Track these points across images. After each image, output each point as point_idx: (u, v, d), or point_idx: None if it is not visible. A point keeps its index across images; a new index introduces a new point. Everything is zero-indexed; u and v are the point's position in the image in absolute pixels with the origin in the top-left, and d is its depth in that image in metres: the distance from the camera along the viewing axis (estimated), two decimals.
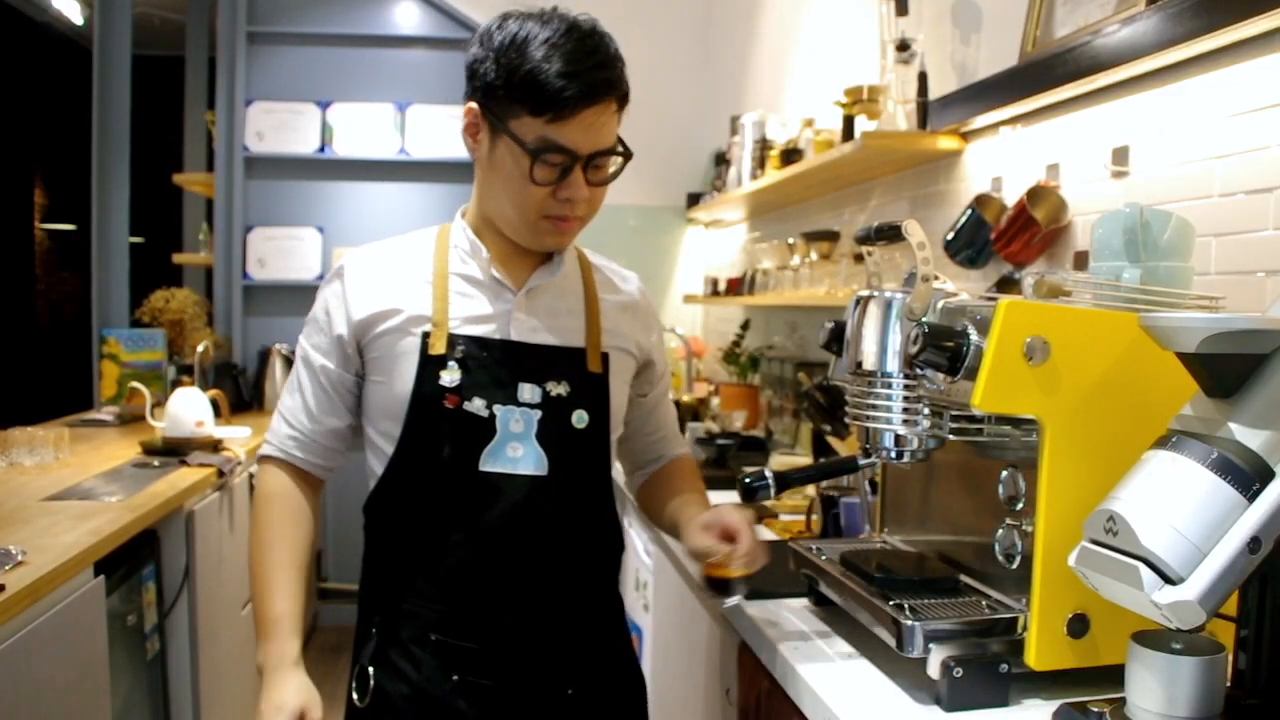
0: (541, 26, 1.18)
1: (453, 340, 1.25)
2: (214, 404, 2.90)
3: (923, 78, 2.03)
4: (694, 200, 3.90)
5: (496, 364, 1.25)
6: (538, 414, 1.25)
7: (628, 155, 1.25)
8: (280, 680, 1.21)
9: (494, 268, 1.29)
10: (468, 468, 1.23)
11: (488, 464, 1.23)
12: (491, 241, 1.30)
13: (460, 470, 1.23)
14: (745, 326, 3.46)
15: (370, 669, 1.27)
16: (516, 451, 1.24)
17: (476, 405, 1.23)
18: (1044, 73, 1.63)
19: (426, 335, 1.25)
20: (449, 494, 1.24)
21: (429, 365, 1.24)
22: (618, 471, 1.46)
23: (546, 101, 1.15)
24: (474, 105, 1.22)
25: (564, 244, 1.30)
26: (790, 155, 2.62)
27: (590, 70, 1.16)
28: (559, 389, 1.26)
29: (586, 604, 1.32)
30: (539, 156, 1.18)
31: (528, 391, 1.25)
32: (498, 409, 1.24)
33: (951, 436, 1.10)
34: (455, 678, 1.24)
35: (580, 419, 1.27)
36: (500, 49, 1.18)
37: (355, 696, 1.28)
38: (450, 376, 1.24)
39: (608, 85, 1.18)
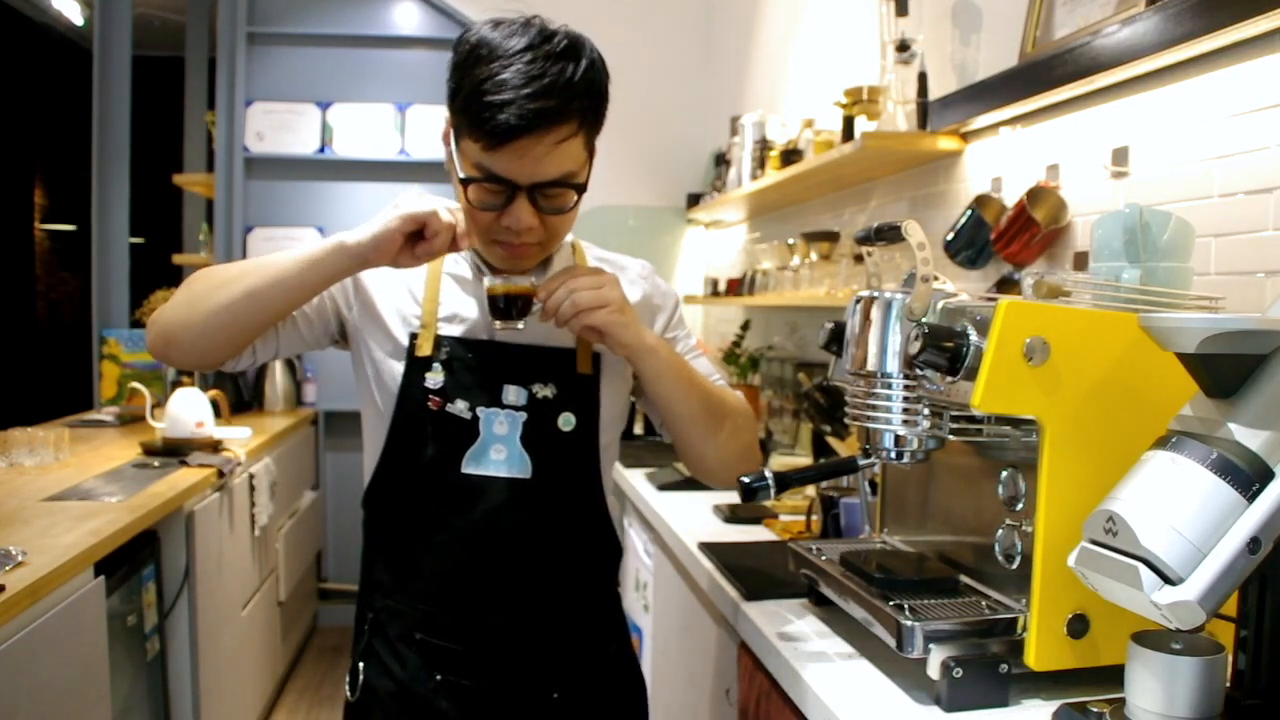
0: (505, 39, 1.10)
1: (439, 342, 1.25)
2: (214, 404, 2.91)
3: (923, 78, 2.03)
4: (694, 200, 3.90)
5: (480, 365, 1.25)
6: (523, 416, 1.24)
7: (579, 188, 1.18)
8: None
9: (481, 267, 1.29)
10: (450, 469, 1.23)
11: (470, 466, 1.23)
12: None
13: (443, 472, 1.23)
14: (745, 327, 3.46)
15: (360, 664, 1.30)
16: (500, 454, 1.23)
17: (459, 407, 1.23)
18: (1044, 73, 1.63)
19: (414, 336, 1.26)
20: (432, 495, 1.24)
21: (415, 367, 1.24)
22: (619, 473, 1.44)
23: (479, 127, 1.09)
24: (448, 113, 1.18)
25: (522, 266, 1.24)
26: (790, 156, 2.62)
27: (529, 99, 1.07)
28: (545, 391, 1.25)
29: (574, 608, 1.31)
30: (472, 182, 1.14)
31: (513, 393, 1.24)
32: (481, 411, 1.23)
33: (951, 437, 1.10)
34: (438, 677, 1.25)
35: (567, 422, 1.26)
36: (459, 61, 1.13)
37: (347, 691, 1.31)
38: (434, 379, 1.23)
39: (546, 115, 1.08)
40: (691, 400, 1.27)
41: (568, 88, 1.10)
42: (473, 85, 1.09)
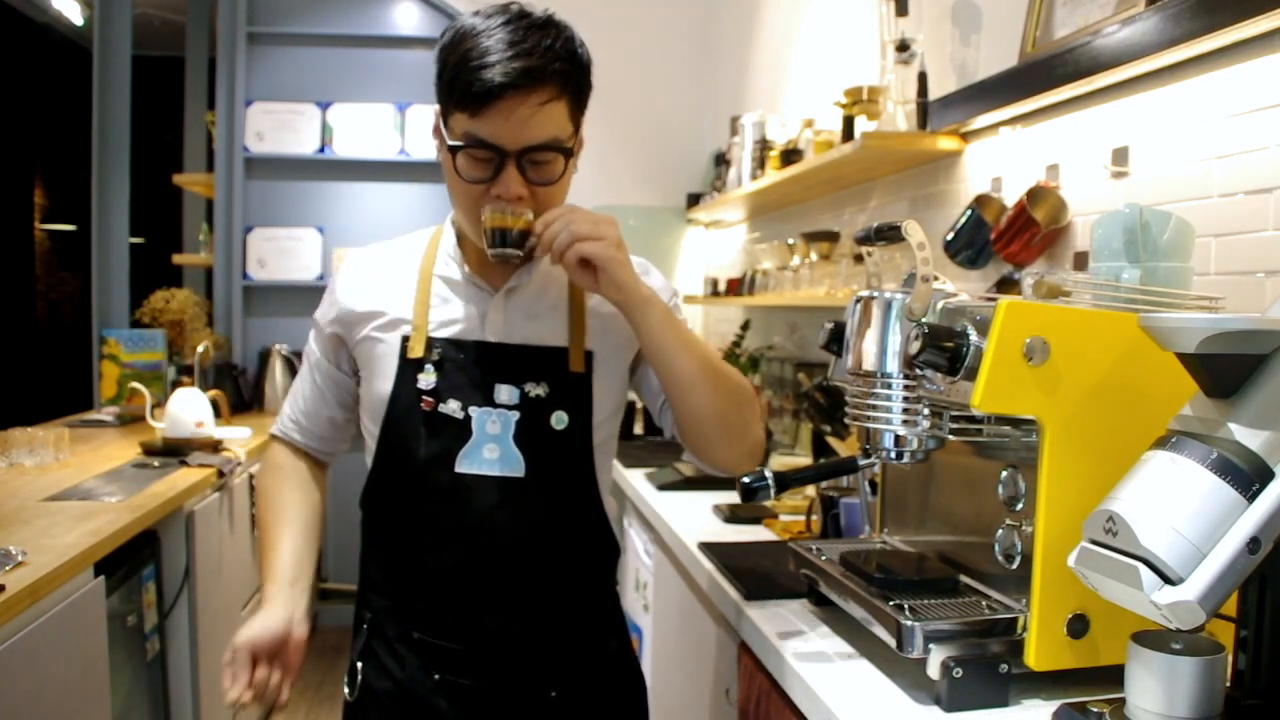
0: (485, 19, 1.15)
1: (431, 343, 1.26)
2: (214, 404, 2.90)
3: (923, 78, 2.03)
4: (694, 200, 3.90)
5: (472, 365, 1.25)
6: (515, 415, 1.24)
7: (567, 152, 1.20)
8: (249, 620, 1.23)
9: (468, 267, 1.29)
10: (444, 469, 1.24)
11: (463, 465, 1.23)
12: (474, 243, 1.28)
13: (436, 471, 1.24)
14: (745, 327, 3.46)
15: (359, 664, 1.30)
16: (493, 453, 1.24)
17: (452, 407, 1.24)
18: (1044, 73, 1.63)
19: (406, 338, 1.26)
20: (426, 495, 1.25)
21: (407, 368, 1.25)
22: (619, 473, 1.44)
23: (464, 92, 1.13)
24: (436, 98, 1.22)
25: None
26: (790, 156, 2.62)
27: (510, 59, 1.11)
28: (537, 390, 1.25)
29: (572, 607, 1.31)
30: (460, 151, 1.17)
31: (505, 393, 1.24)
32: (473, 411, 1.24)
33: (951, 437, 1.10)
34: (436, 676, 1.26)
35: (560, 420, 1.25)
36: (443, 45, 1.18)
37: (346, 691, 1.32)
38: (427, 379, 1.24)
39: (529, 74, 1.12)
40: (689, 357, 1.20)
41: (548, 51, 1.14)
42: (457, 59, 1.14)
